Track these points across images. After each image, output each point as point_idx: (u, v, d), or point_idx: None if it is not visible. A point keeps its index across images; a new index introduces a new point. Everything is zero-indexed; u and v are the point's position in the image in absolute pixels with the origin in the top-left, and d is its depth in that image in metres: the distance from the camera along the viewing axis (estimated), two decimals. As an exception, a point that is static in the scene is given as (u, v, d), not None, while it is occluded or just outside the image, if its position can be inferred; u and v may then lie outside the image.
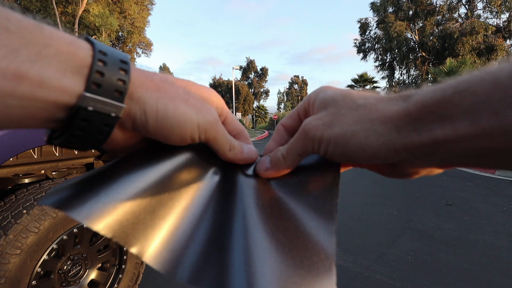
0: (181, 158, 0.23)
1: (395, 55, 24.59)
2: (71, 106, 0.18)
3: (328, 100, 0.23)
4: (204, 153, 0.25)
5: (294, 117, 0.27)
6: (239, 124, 0.29)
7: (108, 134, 0.20)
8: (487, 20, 20.29)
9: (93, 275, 1.36)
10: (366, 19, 25.83)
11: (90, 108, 0.18)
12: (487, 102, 0.16)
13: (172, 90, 0.22)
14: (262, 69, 44.00)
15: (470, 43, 18.77)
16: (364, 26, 25.90)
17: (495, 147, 0.16)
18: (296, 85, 58.95)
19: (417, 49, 23.19)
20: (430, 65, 21.19)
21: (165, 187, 0.21)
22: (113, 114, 0.19)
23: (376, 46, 25.80)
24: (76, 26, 18.87)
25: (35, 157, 1.34)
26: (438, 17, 21.81)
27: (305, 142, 0.23)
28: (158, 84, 0.21)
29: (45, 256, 1.12)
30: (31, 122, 0.17)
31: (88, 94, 0.18)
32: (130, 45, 23.96)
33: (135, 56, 25.41)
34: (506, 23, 19.54)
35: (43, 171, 1.42)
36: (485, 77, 0.16)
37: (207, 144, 0.24)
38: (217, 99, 0.26)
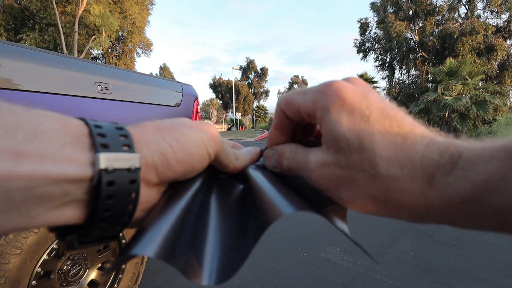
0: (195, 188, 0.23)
1: (395, 55, 24.57)
2: (87, 179, 0.16)
3: (339, 141, 0.18)
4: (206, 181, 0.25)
5: (295, 109, 0.22)
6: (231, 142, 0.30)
7: (138, 192, 0.18)
8: (487, 20, 20.28)
9: (93, 275, 1.36)
10: (366, 19, 25.82)
11: (110, 168, 0.17)
12: None
13: (167, 124, 0.21)
14: (262, 69, 44.01)
15: (470, 43, 18.76)
16: (364, 26, 25.89)
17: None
18: (296, 85, 58.93)
19: (417, 49, 23.18)
20: (430, 65, 21.18)
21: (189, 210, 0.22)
22: (133, 167, 0.18)
23: (376, 46, 25.80)
24: (76, 26, 18.85)
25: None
26: (438, 17, 21.81)
27: (311, 180, 0.21)
28: (153, 126, 0.21)
29: (45, 256, 1.12)
30: (41, 209, 0.15)
31: (102, 154, 0.16)
32: (130, 45, 23.95)
33: (135, 56, 25.39)
34: (506, 23, 19.53)
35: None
36: None
37: (217, 160, 0.24)
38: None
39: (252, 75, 44.12)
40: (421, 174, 0.17)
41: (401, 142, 0.17)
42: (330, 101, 0.19)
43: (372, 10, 24.79)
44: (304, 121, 0.23)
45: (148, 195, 0.20)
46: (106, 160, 0.17)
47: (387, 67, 25.93)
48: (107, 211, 0.17)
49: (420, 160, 0.17)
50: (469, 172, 0.15)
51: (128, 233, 1.43)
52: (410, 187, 0.17)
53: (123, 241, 1.42)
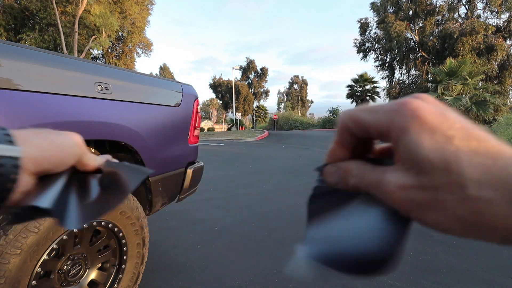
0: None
1: (395, 55, 24.58)
2: None
3: (422, 164, 0.17)
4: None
5: (362, 127, 0.21)
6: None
7: (18, 174, 0.25)
8: (487, 20, 20.28)
9: (93, 275, 1.36)
10: (366, 19, 25.82)
11: (1, 155, 0.24)
12: None
13: (46, 130, 0.30)
14: (262, 69, 44.00)
15: (470, 43, 18.77)
16: (364, 26, 25.89)
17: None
18: (296, 85, 58.93)
19: (417, 49, 23.18)
20: (430, 65, 21.17)
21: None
22: (15, 155, 0.24)
23: (376, 46, 25.80)
24: (76, 26, 18.85)
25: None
26: (438, 17, 21.81)
27: (386, 201, 0.20)
28: (35, 130, 0.29)
29: (45, 256, 1.12)
30: None
31: None
32: (130, 45, 23.94)
33: (135, 56, 25.39)
34: (506, 23, 19.53)
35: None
36: None
37: (81, 160, 0.33)
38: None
39: (252, 75, 44.11)
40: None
41: (491, 164, 0.16)
42: (408, 122, 0.18)
43: (372, 10, 24.80)
44: (369, 138, 0.22)
45: (26, 180, 0.26)
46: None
47: (387, 67, 25.93)
48: None
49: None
50: None
51: (127, 232, 1.44)
52: (505, 211, 0.15)
53: (123, 241, 1.42)
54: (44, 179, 0.30)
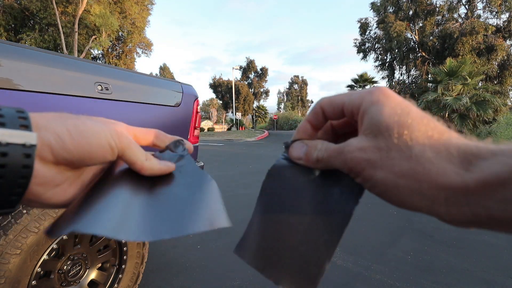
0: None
1: (395, 55, 24.57)
2: None
3: (380, 126, 0.20)
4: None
5: (337, 107, 0.24)
6: (152, 131, 0.31)
7: (31, 166, 0.20)
8: (487, 20, 20.28)
9: (93, 275, 1.36)
10: (366, 19, 25.81)
11: (3, 142, 0.19)
12: None
13: (72, 115, 0.24)
14: (262, 69, 44.00)
15: (470, 43, 18.76)
16: (364, 26, 25.88)
17: None
18: (296, 85, 58.94)
19: (417, 49, 23.18)
20: (430, 65, 21.18)
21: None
22: (28, 143, 0.20)
23: (376, 46, 25.79)
24: (76, 26, 18.85)
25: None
26: (438, 17, 21.80)
27: (343, 166, 0.22)
28: (57, 114, 0.23)
29: (45, 256, 1.12)
30: None
31: None
32: (130, 45, 23.95)
33: (135, 56, 25.39)
34: (506, 23, 19.53)
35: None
36: None
37: (124, 157, 0.26)
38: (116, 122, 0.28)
39: (252, 75, 44.11)
40: (457, 159, 0.18)
41: (438, 136, 0.19)
42: (376, 97, 0.21)
43: (372, 10, 24.78)
44: (338, 119, 0.26)
45: (44, 171, 0.21)
46: (0, 134, 0.19)
47: (387, 67, 25.93)
48: None
49: (457, 149, 0.18)
50: (510, 159, 0.16)
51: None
52: (445, 168, 0.18)
53: (123, 241, 1.42)
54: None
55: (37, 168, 0.21)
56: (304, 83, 58.68)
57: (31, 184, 0.21)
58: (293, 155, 0.27)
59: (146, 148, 0.30)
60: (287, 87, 60.79)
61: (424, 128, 0.19)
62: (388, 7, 23.41)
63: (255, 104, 44.11)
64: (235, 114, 33.73)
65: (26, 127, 0.20)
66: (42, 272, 1.13)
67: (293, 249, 0.24)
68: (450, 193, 0.17)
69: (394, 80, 25.82)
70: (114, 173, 0.27)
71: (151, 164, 0.27)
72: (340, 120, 0.26)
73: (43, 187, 0.22)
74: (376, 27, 24.84)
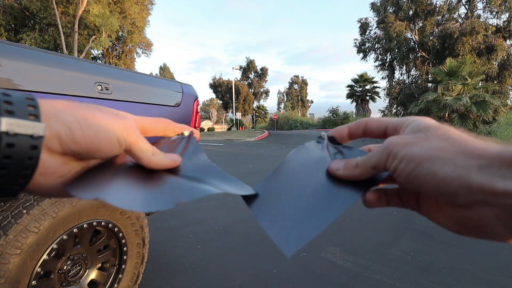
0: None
1: (395, 55, 24.57)
2: None
3: (421, 126, 0.23)
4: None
5: (381, 124, 0.27)
6: (161, 121, 0.31)
7: (37, 158, 0.20)
8: (487, 20, 20.28)
9: (93, 275, 1.36)
10: (366, 19, 25.82)
11: (11, 132, 0.18)
12: None
13: (82, 105, 0.23)
14: (262, 69, 43.99)
15: (470, 43, 18.76)
16: (364, 26, 25.89)
17: None
18: (296, 85, 58.93)
19: (417, 49, 23.18)
20: (430, 65, 21.17)
21: None
22: (36, 134, 0.19)
23: (376, 46, 25.79)
24: (76, 26, 18.85)
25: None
26: (438, 17, 21.80)
27: (382, 156, 0.23)
28: (67, 103, 0.22)
29: (45, 256, 1.12)
30: None
31: (3, 118, 0.18)
32: (130, 45, 23.95)
33: (135, 56, 25.38)
34: (506, 23, 19.52)
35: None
36: None
37: (131, 152, 0.26)
38: (126, 113, 0.28)
39: (252, 75, 44.10)
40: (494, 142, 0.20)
41: (466, 135, 0.22)
42: (417, 117, 0.25)
43: (372, 10, 24.79)
44: (376, 137, 0.29)
45: (50, 162, 0.21)
46: (8, 124, 0.18)
47: (387, 67, 25.93)
48: (3, 168, 0.19)
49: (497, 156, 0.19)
50: None
51: (127, 232, 1.43)
52: (481, 142, 0.20)
53: (123, 241, 1.42)
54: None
55: (42, 158, 0.20)
56: (304, 83, 58.67)
57: (34, 174, 0.20)
58: (332, 166, 0.28)
59: (153, 138, 0.30)
60: (287, 87, 60.80)
61: (461, 132, 0.22)
62: (388, 7, 23.41)
63: (255, 104, 44.12)
64: (235, 114, 33.73)
65: (35, 116, 0.20)
66: (42, 272, 1.13)
67: (299, 206, 0.26)
68: (484, 161, 0.18)
69: (394, 80, 25.81)
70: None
71: (157, 159, 0.27)
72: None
73: (46, 177, 0.22)
74: (376, 27, 24.85)
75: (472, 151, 0.19)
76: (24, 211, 1.08)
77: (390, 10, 23.33)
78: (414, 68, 24.03)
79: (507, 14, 19.58)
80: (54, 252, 1.17)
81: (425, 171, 0.20)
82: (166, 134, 0.32)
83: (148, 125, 0.29)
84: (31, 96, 0.21)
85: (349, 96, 31.17)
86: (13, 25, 19.08)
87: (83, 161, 0.24)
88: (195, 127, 2.01)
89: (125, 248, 1.44)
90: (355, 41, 26.68)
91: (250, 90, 42.80)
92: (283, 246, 0.25)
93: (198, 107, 2.04)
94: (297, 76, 59.45)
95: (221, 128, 50.17)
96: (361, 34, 26.38)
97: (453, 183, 0.18)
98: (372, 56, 26.41)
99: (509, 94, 19.52)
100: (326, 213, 0.25)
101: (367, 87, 30.37)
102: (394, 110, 25.57)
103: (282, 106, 61.15)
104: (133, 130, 0.26)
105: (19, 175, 0.20)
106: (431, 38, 21.52)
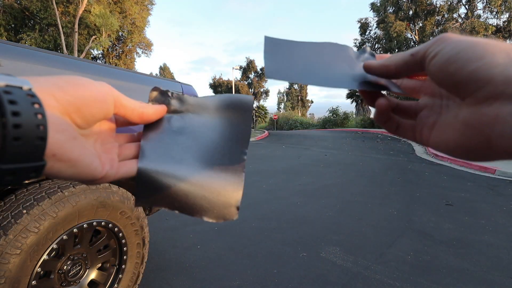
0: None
1: (395, 55, 24.52)
2: None
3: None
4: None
5: (416, 53, 0.25)
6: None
7: (40, 104, 0.20)
8: (487, 20, 20.27)
9: (93, 275, 1.36)
10: (366, 19, 25.83)
11: (2, 84, 0.19)
12: None
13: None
14: (262, 69, 43.95)
15: (470, 43, 18.73)
16: (364, 26, 25.90)
17: None
18: (296, 85, 58.88)
19: (417, 49, 23.14)
20: (430, 65, 21.13)
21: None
22: (26, 86, 0.20)
23: (376, 46, 25.78)
24: (76, 26, 18.85)
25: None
26: (438, 17, 21.80)
27: (427, 43, 0.23)
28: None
29: (45, 256, 1.12)
30: None
31: None
32: (130, 45, 23.94)
33: (135, 56, 25.38)
34: (506, 23, 19.52)
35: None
36: None
37: (121, 106, 0.27)
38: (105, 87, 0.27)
39: (252, 75, 44.11)
40: None
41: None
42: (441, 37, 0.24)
43: (372, 10, 24.79)
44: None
45: (55, 118, 0.21)
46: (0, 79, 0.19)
47: (387, 67, 25.86)
48: (17, 127, 0.18)
49: None
50: None
51: (127, 232, 1.44)
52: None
53: (123, 241, 1.42)
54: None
55: (48, 114, 0.20)
56: (304, 83, 58.47)
57: (50, 131, 0.20)
58: (366, 64, 0.29)
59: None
60: (287, 87, 60.78)
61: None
62: (388, 7, 23.41)
63: (255, 104, 44.13)
64: (235, 114, 33.64)
65: (14, 77, 0.20)
66: (42, 272, 1.13)
67: (307, 63, 0.30)
68: None
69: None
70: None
71: (150, 107, 0.30)
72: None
73: (62, 134, 0.21)
74: (376, 27, 24.85)
75: None
76: (24, 211, 1.08)
77: (390, 10, 23.33)
78: (414, 68, 23.98)
79: (507, 14, 19.58)
80: (54, 252, 1.17)
81: (472, 53, 0.20)
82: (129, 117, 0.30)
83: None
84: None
85: (349, 96, 31.16)
86: (13, 25, 19.07)
87: (86, 129, 0.25)
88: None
89: (125, 248, 1.44)
90: (355, 41, 26.68)
91: (250, 90, 42.81)
92: (269, 69, 0.27)
93: (198, 107, 2.04)
94: (297, 76, 59.26)
95: (221, 128, 49.92)
96: (361, 34, 26.38)
97: (496, 69, 0.18)
98: (372, 56, 26.36)
99: (509, 94, 19.49)
100: (320, 78, 0.28)
101: (367, 87, 30.30)
102: (394, 110, 25.50)
103: (282, 106, 61.15)
104: (114, 89, 0.27)
105: (35, 134, 0.19)
106: (431, 38, 21.49)
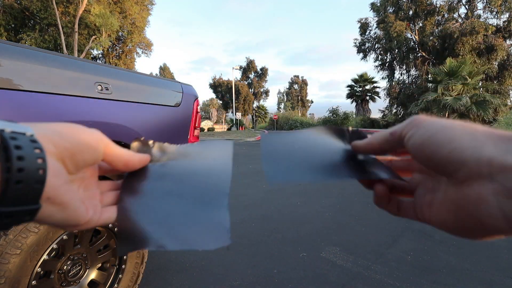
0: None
1: (395, 55, 24.57)
2: None
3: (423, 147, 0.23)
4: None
5: (396, 134, 0.27)
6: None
7: (42, 150, 0.21)
8: (487, 20, 20.27)
9: (93, 275, 1.36)
10: (366, 19, 25.82)
11: (8, 130, 0.20)
12: None
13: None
14: (262, 69, 43.97)
15: (470, 43, 18.75)
16: (364, 26, 25.89)
17: None
18: (296, 85, 58.91)
19: (417, 49, 23.17)
20: (430, 65, 21.16)
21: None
22: (28, 133, 0.21)
23: (376, 46, 25.78)
24: (76, 26, 18.85)
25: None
26: (438, 17, 21.80)
27: (402, 125, 0.26)
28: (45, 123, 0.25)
29: (45, 256, 1.12)
30: None
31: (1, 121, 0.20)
32: (130, 45, 23.94)
33: (135, 56, 25.38)
34: (506, 23, 19.51)
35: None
36: None
37: (109, 152, 0.28)
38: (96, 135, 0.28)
39: (252, 75, 44.09)
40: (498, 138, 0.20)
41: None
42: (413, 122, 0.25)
43: (372, 10, 24.78)
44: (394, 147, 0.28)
45: (53, 163, 0.22)
46: (4, 125, 0.20)
47: (387, 67, 25.92)
48: (20, 171, 0.19)
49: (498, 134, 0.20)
50: None
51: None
52: (486, 142, 0.20)
53: (123, 241, 1.42)
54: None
55: (46, 159, 0.21)
56: (304, 83, 58.63)
57: (47, 175, 0.21)
58: (354, 143, 0.32)
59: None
60: (287, 87, 60.76)
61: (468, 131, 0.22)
62: (388, 7, 23.40)
63: (255, 104, 44.11)
64: (235, 114, 33.73)
65: (15, 123, 0.22)
66: (42, 272, 1.13)
67: (301, 159, 0.31)
68: (501, 139, 0.19)
69: (394, 80, 25.79)
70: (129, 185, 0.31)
71: (134, 155, 0.31)
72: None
73: (57, 178, 0.22)
74: (376, 27, 24.84)
75: (492, 132, 0.20)
76: (24, 211, 1.07)
77: (390, 10, 23.32)
78: (414, 68, 24.01)
79: (507, 14, 19.57)
80: (54, 252, 1.17)
81: (442, 138, 0.21)
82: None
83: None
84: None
85: (349, 96, 31.16)
86: (13, 25, 19.06)
87: (78, 172, 0.26)
88: (195, 127, 2.01)
89: (125, 248, 1.44)
90: (355, 41, 26.68)
91: (250, 90, 42.80)
92: (268, 174, 0.28)
93: (198, 107, 2.04)
94: (297, 76, 59.43)
95: (221, 128, 50.15)
96: (361, 34, 26.38)
97: (466, 152, 0.19)
98: (372, 56, 26.42)
99: (509, 94, 19.51)
100: (319, 174, 0.29)
101: (367, 87, 30.36)
102: (394, 110, 25.57)
103: (282, 106, 61.14)
104: (104, 136, 0.28)
105: (35, 178, 0.20)
106: (431, 38, 21.51)
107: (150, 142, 0.34)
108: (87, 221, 0.26)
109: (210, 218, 0.28)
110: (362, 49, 26.45)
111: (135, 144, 0.34)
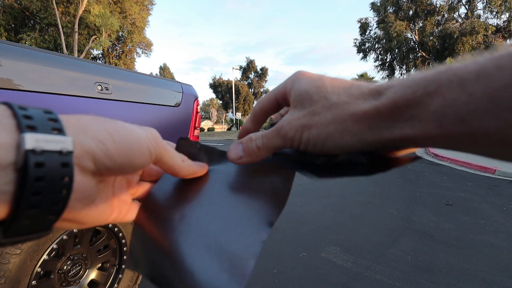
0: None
1: (395, 55, 24.58)
2: (11, 163, 0.15)
3: (303, 95, 0.23)
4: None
5: (272, 100, 0.27)
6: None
7: (71, 176, 0.17)
8: (487, 20, 20.28)
9: (93, 275, 1.36)
10: (366, 19, 25.82)
11: (38, 149, 0.15)
12: (454, 106, 0.16)
13: (106, 118, 0.21)
14: (262, 69, 43.98)
15: (470, 43, 18.77)
16: (364, 26, 25.89)
17: (465, 148, 0.17)
18: (296, 85, 58.85)
19: (417, 49, 23.18)
20: (430, 65, 21.16)
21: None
22: (65, 150, 0.17)
23: (376, 46, 25.80)
24: (76, 26, 18.85)
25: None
26: (438, 17, 21.81)
27: (284, 141, 0.24)
28: (91, 117, 0.20)
29: (45, 256, 1.12)
30: None
31: (28, 135, 0.15)
32: (130, 45, 23.95)
33: (135, 56, 25.39)
34: (506, 23, 19.52)
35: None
36: (452, 79, 0.16)
37: (161, 161, 0.24)
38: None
39: (252, 75, 44.10)
40: (368, 94, 0.21)
41: (350, 84, 0.22)
42: (295, 76, 0.25)
43: (372, 10, 24.79)
44: (275, 108, 0.28)
45: (84, 183, 0.18)
46: (34, 140, 0.15)
47: (387, 67, 25.93)
48: (36, 194, 0.15)
49: (368, 88, 0.21)
50: (410, 83, 0.18)
51: (127, 232, 1.43)
52: (358, 103, 0.21)
53: (123, 241, 1.42)
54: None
55: (76, 179, 0.18)
56: (304, 83, 58.53)
57: (70, 200, 0.18)
58: (232, 157, 0.26)
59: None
60: (287, 87, 60.61)
61: (337, 83, 0.23)
62: (388, 7, 23.41)
63: (255, 104, 44.07)
64: (235, 114, 33.73)
65: (59, 130, 0.17)
66: (42, 272, 1.13)
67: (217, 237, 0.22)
68: (370, 121, 0.20)
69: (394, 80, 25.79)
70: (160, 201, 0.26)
71: (187, 166, 0.27)
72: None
73: (81, 202, 0.19)
74: (376, 27, 24.84)
75: (356, 114, 0.20)
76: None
77: (390, 10, 23.33)
78: (414, 68, 24.02)
79: (507, 14, 19.57)
80: (54, 252, 1.17)
81: (332, 146, 0.22)
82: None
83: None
84: (49, 110, 0.18)
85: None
86: (13, 25, 19.08)
87: (109, 181, 0.23)
88: (195, 127, 2.01)
89: (125, 248, 1.44)
90: (355, 41, 26.69)
91: (250, 90, 42.82)
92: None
93: (198, 107, 2.04)
94: (297, 76, 59.33)
95: (221, 128, 50.14)
96: (361, 34, 26.38)
97: (357, 146, 0.21)
98: (372, 56, 26.44)
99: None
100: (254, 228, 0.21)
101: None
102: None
103: (282, 106, 61.04)
104: (160, 139, 0.24)
105: (54, 199, 0.17)
106: (431, 38, 21.53)
107: (198, 144, 0.29)
108: (106, 222, 0.23)
109: (238, 249, 0.20)
110: (362, 49, 26.46)
111: (181, 143, 0.30)
